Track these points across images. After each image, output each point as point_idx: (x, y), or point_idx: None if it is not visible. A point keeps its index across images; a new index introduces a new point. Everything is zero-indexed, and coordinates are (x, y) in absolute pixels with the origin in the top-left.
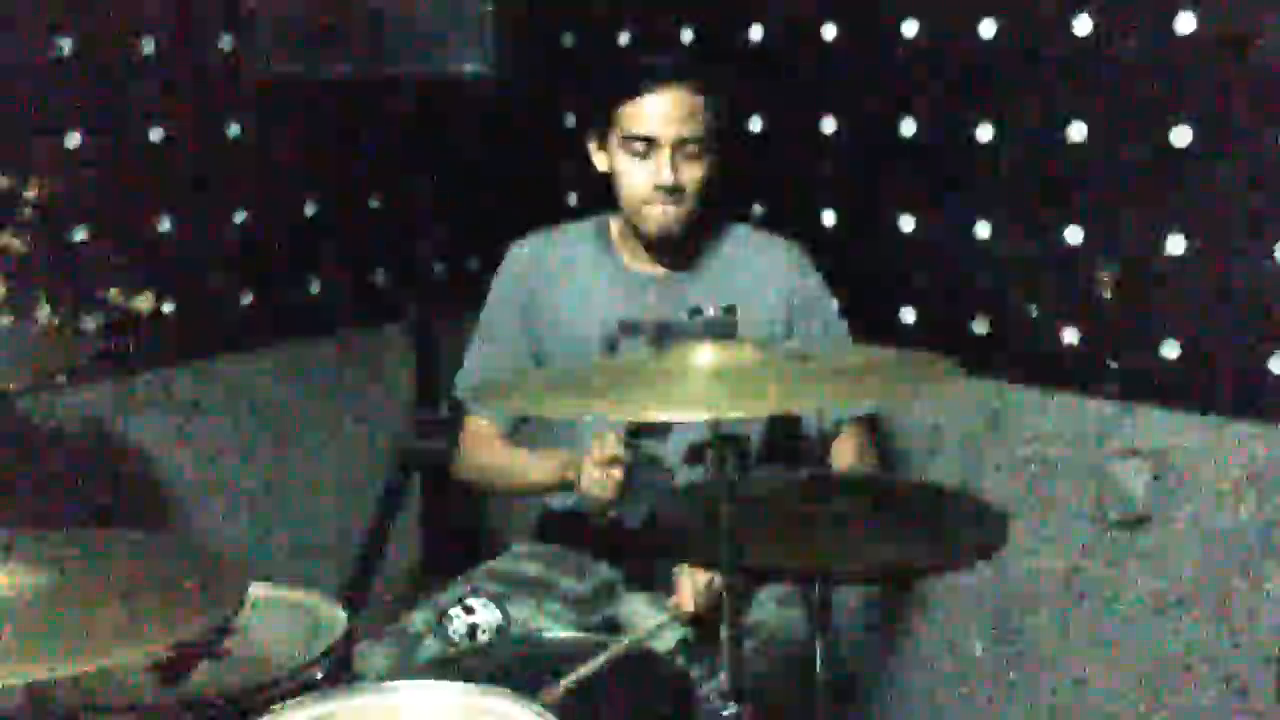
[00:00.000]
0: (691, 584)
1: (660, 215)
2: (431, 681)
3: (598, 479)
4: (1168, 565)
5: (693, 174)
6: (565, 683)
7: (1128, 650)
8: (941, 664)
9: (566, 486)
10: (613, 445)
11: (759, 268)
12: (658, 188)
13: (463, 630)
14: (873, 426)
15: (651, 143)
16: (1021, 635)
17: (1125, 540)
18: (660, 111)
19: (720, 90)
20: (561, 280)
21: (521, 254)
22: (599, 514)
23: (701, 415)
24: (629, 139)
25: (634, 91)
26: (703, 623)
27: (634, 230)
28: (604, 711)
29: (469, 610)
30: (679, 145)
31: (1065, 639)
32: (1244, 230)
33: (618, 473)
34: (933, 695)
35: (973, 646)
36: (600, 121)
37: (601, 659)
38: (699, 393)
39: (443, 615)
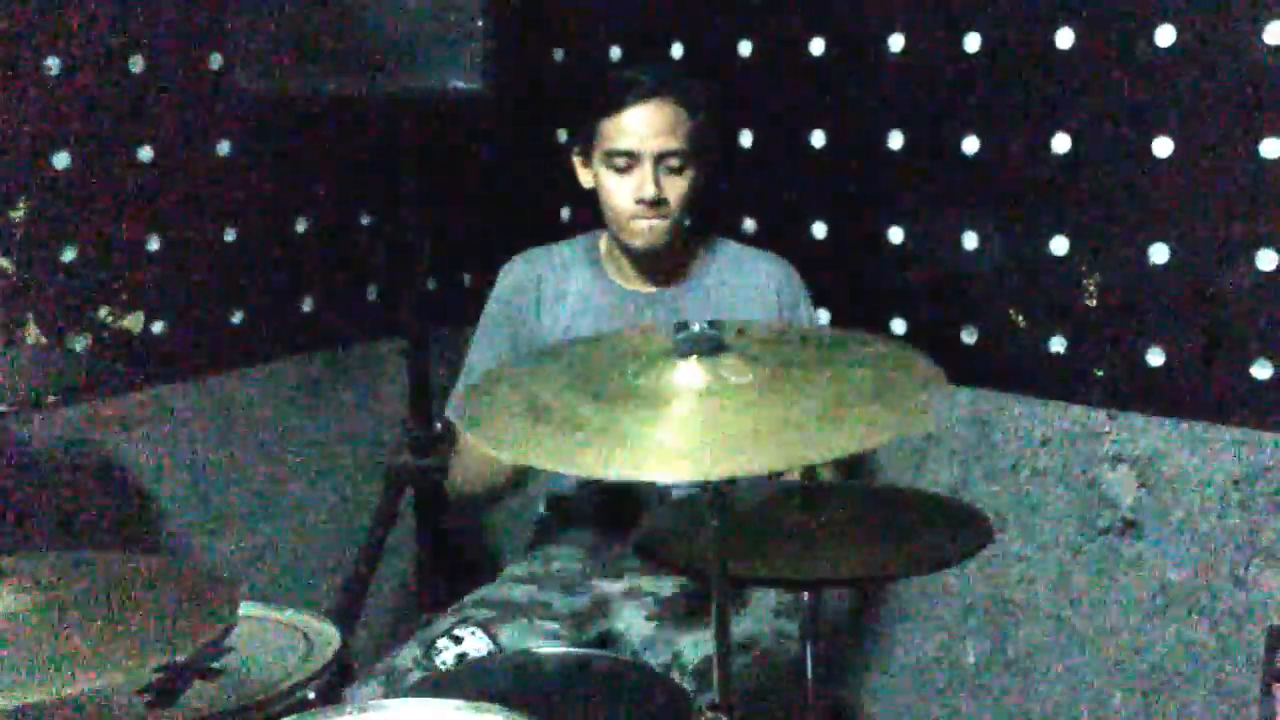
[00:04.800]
0: None
1: (645, 230)
2: (423, 699)
3: None
4: (1156, 570)
5: (676, 187)
6: None
7: (1118, 655)
8: (934, 671)
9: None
10: None
11: (749, 284)
12: (640, 201)
13: (451, 661)
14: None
15: (633, 157)
16: (1013, 642)
17: (1114, 546)
18: (640, 126)
19: (702, 103)
20: (553, 298)
21: (512, 273)
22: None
23: (686, 476)
24: (611, 154)
25: (614, 107)
26: (684, 621)
27: (623, 247)
28: None
29: (457, 640)
30: (661, 159)
31: (1056, 644)
32: (1226, 239)
33: None
34: (925, 703)
35: (965, 653)
36: (583, 138)
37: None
38: (684, 445)
39: (430, 647)
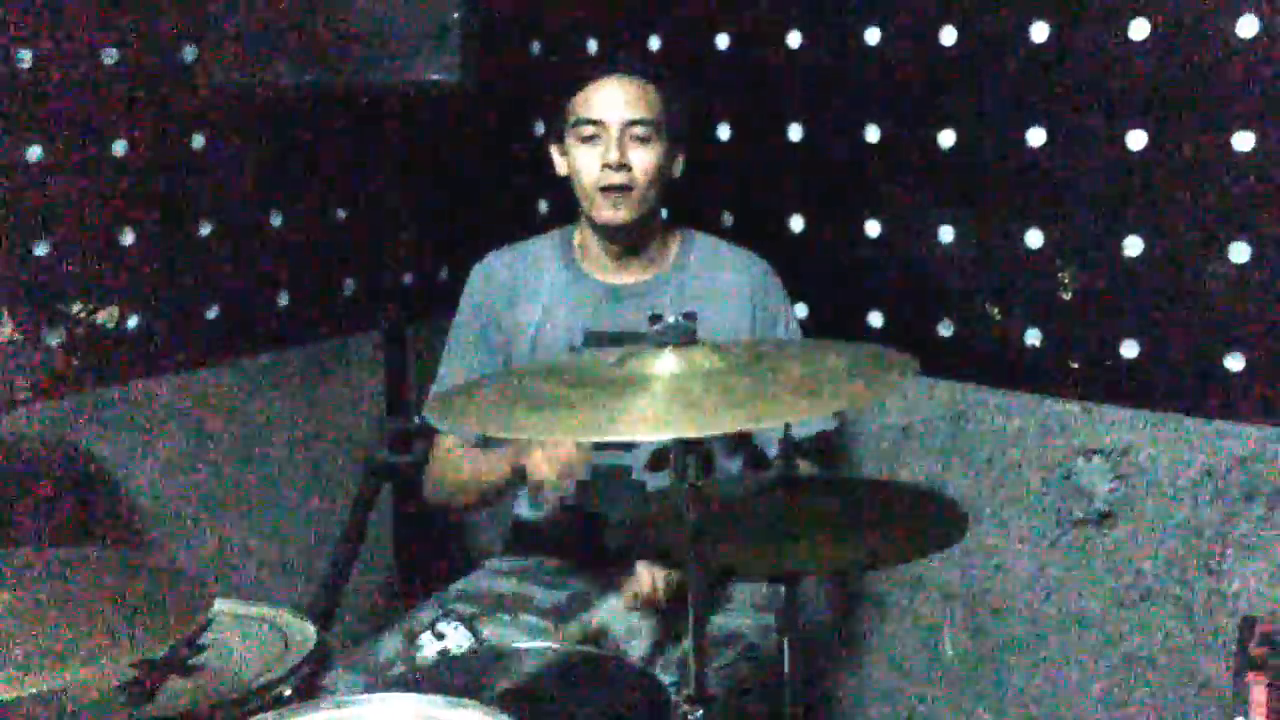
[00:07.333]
0: (649, 573)
1: (611, 203)
2: (400, 694)
3: (547, 459)
4: (1130, 561)
5: (642, 158)
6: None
7: (1093, 645)
8: (911, 663)
9: (521, 476)
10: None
11: (724, 279)
12: (605, 167)
13: (433, 657)
14: (827, 443)
15: (600, 125)
16: (989, 633)
17: (1088, 537)
18: (607, 96)
19: (669, 82)
20: (527, 294)
21: (486, 271)
22: (555, 504)
23: (663, 435)
24: (578, 124)
25: (582, 83)
26: (666, 614)
27: (597, 237)
28: None
29: (439, 636)
30: (627, 127)
31: (1032, 635)
32: (1199, 232)
33: (563, 453)
34: (903, 694)
35: (942, 645)
36: (556, 122)
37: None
38: (660, 410)
39: (412, 641)
